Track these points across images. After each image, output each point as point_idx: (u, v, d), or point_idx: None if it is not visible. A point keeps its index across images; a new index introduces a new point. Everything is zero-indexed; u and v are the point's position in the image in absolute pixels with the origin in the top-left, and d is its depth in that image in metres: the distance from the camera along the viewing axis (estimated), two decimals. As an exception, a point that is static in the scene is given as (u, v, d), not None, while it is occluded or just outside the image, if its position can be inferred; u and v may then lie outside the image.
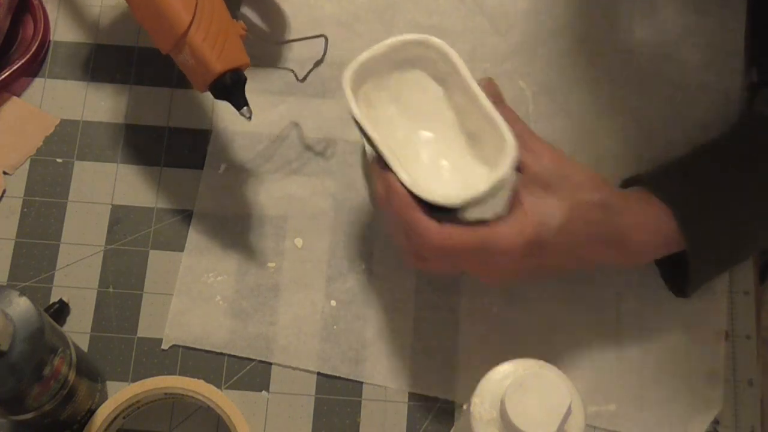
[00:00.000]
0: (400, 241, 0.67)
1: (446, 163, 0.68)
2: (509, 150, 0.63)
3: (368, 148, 0.67)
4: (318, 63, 0.74)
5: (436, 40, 0.67)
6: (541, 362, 0.59)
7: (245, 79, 0.68)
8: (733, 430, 0.71)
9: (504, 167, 0.63)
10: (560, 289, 0.74)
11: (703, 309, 0.73)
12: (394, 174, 0.64)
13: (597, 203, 0.64)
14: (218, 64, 0.66)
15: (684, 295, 0.71)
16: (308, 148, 0.77)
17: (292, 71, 0.75)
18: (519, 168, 0.64)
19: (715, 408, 0.71)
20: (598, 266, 0.69)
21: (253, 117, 0.69)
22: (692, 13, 0.81)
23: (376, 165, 0.66)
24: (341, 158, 0.77)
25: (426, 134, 0.69)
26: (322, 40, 0.73)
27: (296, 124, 0.78)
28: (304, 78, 0.74)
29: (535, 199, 0.63)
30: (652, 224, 0.65)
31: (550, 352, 0.72)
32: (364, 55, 0.67)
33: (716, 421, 0.71)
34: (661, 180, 0.67)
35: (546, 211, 0.63)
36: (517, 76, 0.79)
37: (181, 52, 0.66)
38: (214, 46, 0.66)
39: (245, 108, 0.68)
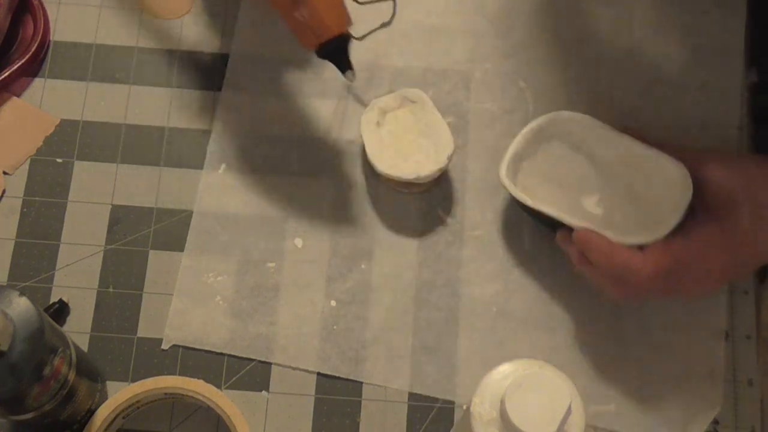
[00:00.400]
0: (612, 290, 0.68)
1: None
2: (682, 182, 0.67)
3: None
4: (385, 24, 0.74)
5: (565, 113, 0.71)
6: (541, 362, 0.59)
7: (351, 42, 0.69)
8: (733, 430, 0.71)
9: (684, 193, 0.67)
10: (560, 289, 0.74)
11: (703, 309, 0.73)
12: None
13: None
14: (335, 25, 0.67)
15: None
16: (308, 147, 0.77)
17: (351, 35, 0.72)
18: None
19: (715, 408, 0.71)
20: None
21: (354, 78, 0.70)
22: (692, 13, 0.81)
23: (565, 236, 0.69)
24: (341, 158, 0.77)
25: (589, 199, 0.73)
26: (390, 3, 0.74)
27: (296, 124, 0.78)
28: (363, 37, 0.73)
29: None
30: None
31: (550, 352, 0.72)
32: (510, 150, 0.71)
33: (716, 421, 0.71)
34: None
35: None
36: (517, 76, 0.79)
37: (298, 8, 0.66)
38: (333, 6, 0.66)
39: (349, 72, 0.69)
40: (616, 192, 0.72)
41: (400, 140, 0.74)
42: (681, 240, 0.65)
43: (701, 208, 0.66)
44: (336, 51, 0.69)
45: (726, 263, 0.65)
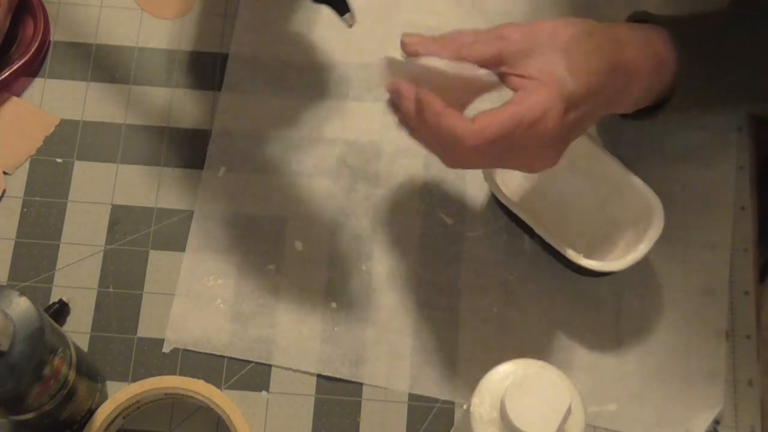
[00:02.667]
0: (438, 152, 0.63)
1: None
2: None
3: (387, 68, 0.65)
4: None
5: None
6: (541, 362, 0.59)
7: None
8: (733, 430, 0.71)
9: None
10: (560, 289, 0.74)
11: (703, 309, 0.73)
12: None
13: (581, 31, 0.63)
14: None
15: (649, 117, 0.68)
16: (308, 147, 0.77)
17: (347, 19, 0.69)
18: (499, 62, 0.62)
19: (716, 407, 0.71)
20: (616, 105, 0.66)
21: (353, 23, 0.65)
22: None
23: (399, 90, 0.63)
24: (340, 159, 0.77)
25: (562, 209, 0.74)
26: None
27: (296, 124, 0.78)
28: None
29: (534, 63, 0.61)
30: (643, 39, 0.65)
31: (550, 352, 0.72)
32: None
33: (716, 421, 0.71)
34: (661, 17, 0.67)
35: (550, 66, 0.61)
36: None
37: None
38: None
39: (348, 14, 0.65)
40: (590, 208, 0.73)
41: None
42: (511, 107, 0.60)
43: (533, 71, 0.62)
44: None
45: (562, 127, 0.61)
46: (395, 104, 0.64)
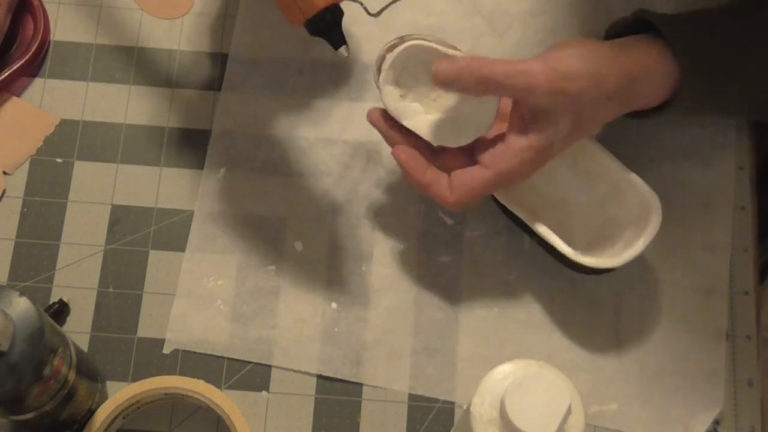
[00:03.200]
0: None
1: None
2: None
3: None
4: None
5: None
6: (541, 362, 0.59)
7: (343, 15, 0.65)
8: (733, 430, 0.71)
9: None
10: (560, 289, 0.74)
11: (703, 309, 0.73)
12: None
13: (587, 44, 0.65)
14: None
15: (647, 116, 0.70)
16: (308, 148, 0.77)
17: (362, 5, 0.68)
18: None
19: (716, 407, 0.71)
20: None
21: (349, 54, 0.67)
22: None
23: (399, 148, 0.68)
24: (340, 160, 0.77)
25: (561, 209, 0.74)
26: None
27: (296, 125, 0.78)
28: (379, 13, 0.68)
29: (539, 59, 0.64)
30: (644, 52, 0.66)
31: (550, 352, 0.72)
32: None
33: (716, 421, 0.71)
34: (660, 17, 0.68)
35: (558, 57, 0.64)
36: (516, 76, 0.79)
37: None
38: None
39: (343, 47, 0.65)
40: (589, 208, 0.73)
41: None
42: (486, 170, 0.65)
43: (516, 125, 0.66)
44: (327, 26, 0.64)
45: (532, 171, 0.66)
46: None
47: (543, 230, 0.69)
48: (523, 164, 0.65)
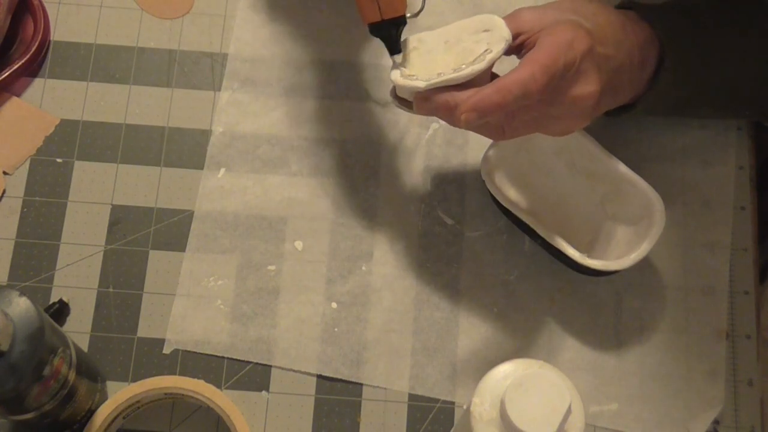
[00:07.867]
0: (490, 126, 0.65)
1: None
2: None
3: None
4: (414, 15, 0.70)
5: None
6: (541, 362, 0.59)
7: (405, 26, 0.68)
8: (733, 430, 0.71)
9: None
10: (560, 289, 0.74)
11: (703, 309, 0.73)
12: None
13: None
14: (401, 5, 0.66)
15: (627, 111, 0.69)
16: (308, 148, 0.77)
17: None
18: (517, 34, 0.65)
19: (716, 407, 0.71)
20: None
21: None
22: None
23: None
24: (341, 160, 0.77)
25: (562, 209, 0.74)
26: None
27: (296, 124, 0.78)
28: (418, 13, 0.70)
29: (548, 20, 0.64)
30: (632, 30, 0.66)
31: (550, 352, 0.72)
32: (492, 147, 0.72)
33: (716, 421, 0.71)
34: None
35: (563, 16, 0.64)
36: (517, 76, 0.79)
37: None
38: None
39: (397, 55, 0.68)
40: (590, 207, 0.73)
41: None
42: (535, 50, 0.62)
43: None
44: (396, 32, 0.68)
45: (593, 56, 0.63)
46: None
47: (546, 233, 0.69)
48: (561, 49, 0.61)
